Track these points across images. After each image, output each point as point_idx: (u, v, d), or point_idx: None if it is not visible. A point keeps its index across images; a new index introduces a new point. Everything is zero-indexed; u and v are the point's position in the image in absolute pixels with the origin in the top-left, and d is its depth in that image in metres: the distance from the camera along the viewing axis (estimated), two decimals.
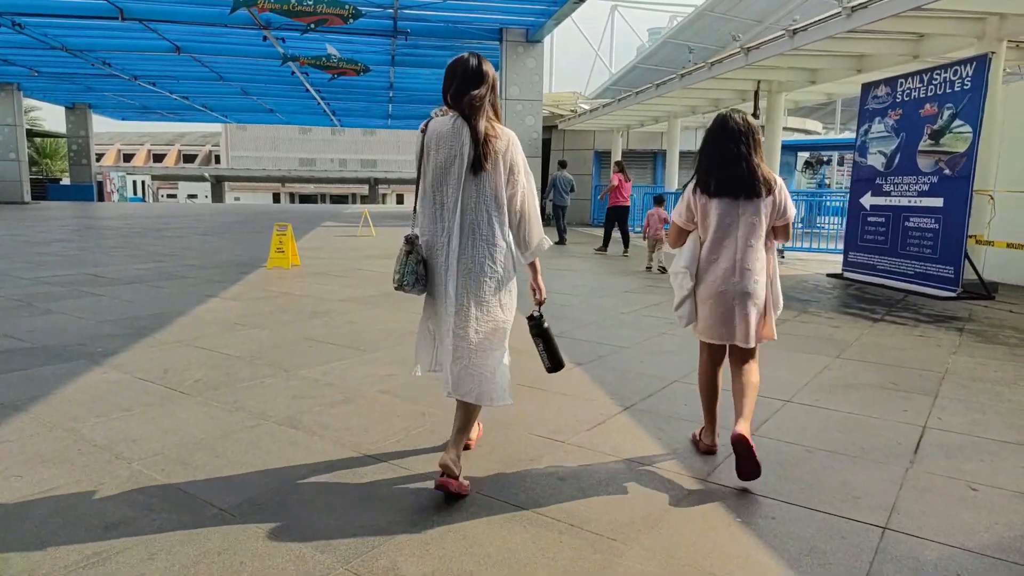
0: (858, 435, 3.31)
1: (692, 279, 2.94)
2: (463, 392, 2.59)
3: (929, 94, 8.10)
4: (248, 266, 9.53)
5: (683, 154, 21.81)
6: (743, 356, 2.93)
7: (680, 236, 3.04)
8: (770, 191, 2.81)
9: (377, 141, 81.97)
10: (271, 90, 32.98)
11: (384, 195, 73.48)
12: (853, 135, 21.83)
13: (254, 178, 71.21)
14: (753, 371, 2.93)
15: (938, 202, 7.89)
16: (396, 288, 2.66)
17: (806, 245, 12.49)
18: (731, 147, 2.80)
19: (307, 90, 31.24)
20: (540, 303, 2.83)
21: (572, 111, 19.52)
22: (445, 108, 2.63)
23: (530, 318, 2.82)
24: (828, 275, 9.71)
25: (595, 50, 41.79)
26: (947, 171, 7.77)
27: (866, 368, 4.57)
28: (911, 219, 8.31)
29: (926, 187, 8.08)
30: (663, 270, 9.54)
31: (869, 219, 9.11)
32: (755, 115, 12.70)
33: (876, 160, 8.99)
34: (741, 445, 2.62)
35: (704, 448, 3.07)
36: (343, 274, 8.99)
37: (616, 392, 3.96)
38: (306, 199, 77.07)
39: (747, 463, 2.62)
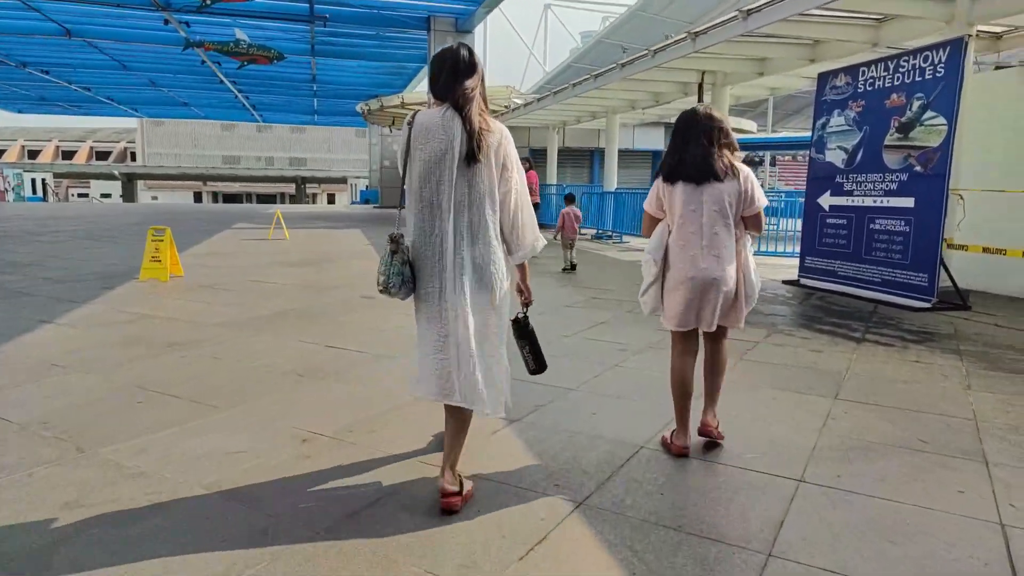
0: (918, 546, 2.24)
1: (657, 264, 3.01)
2: (457, 397, 2.47)
3: (896, 83, 7.32)
4: (118, 278, 7.94)
5: (623, 152, 21.03)
6: (715, 335, 3.07)
7: (652, 224, 3.13)
8: (732, 177, 2.88)
9: (306, 139, 79.36)
10: (182, 81, 30.51)
11: (315, 195, 70.81)
12: (787, 134, 21.14)
13: (173, 176, 67.70)
14: (724, 350, 3.10)
15: (908, 202, 7.11)
16: (381, 291, 2.51)
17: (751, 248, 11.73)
18: (691, 135, 2.90)
19: (222, 81, 29.04)
20: (526, 304, 2.75)
21: (506, 107, 18.41)
22: (436, 101, 2.50)
23: (515, 320, 2.77)
24: (784, 282, 8.88)
25: (529, 48, 40.94)
26: (918, 168, 6.99)
27: (878, 415, 3.56)
28: (877, 221, 7.52)
29: (894, 186, 7.30)
30: (573, 267, 9.58)
31: (828, 221, 8.31)
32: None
33: (835, 156, 8.19)
34: (707, 434, 3.05)
35: (677, 450, 2.98)
36: (232, 287, 7.53)
37: (562, 473, 2.79)
38: (231, 198, 73.88)
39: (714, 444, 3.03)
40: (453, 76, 2.43)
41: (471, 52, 2.49)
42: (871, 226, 7.61)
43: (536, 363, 2.81)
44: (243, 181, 74.16)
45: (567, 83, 13.77)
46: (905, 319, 6.36)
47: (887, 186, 7.38)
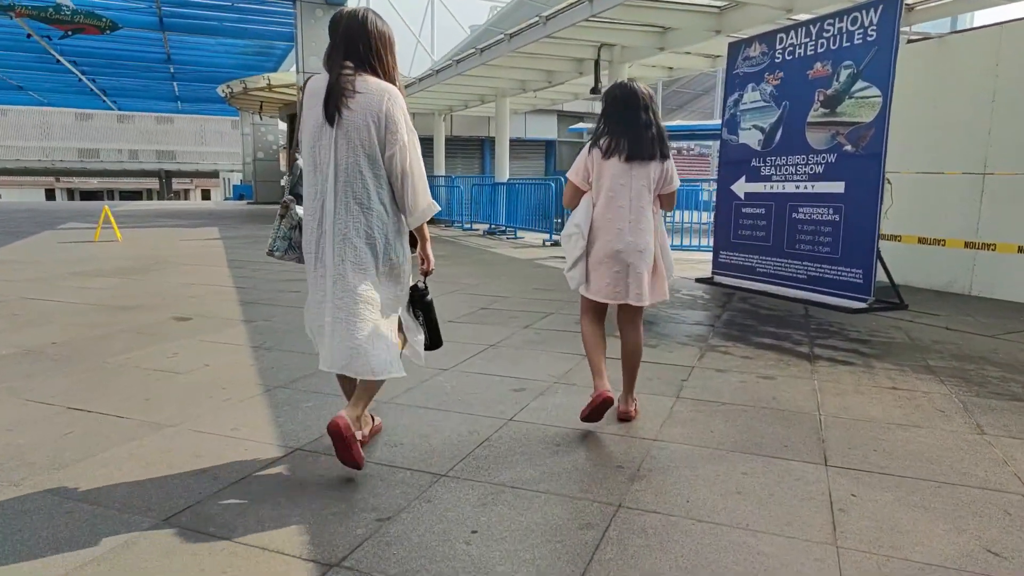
0: None
1: (585, 238, 2.99)
2: (341, 365, 2.41)
3: (820, 49, 6.39)
4: None
5: (515, 142, 19.79)
6: (633, 316, 3.07)
7: (575, 196, 3.09)
8: (666, 157, 2.97)
9: (175, 130, 73.45)
10: (8, 60, 26.34)
11: (186, 190, 65.29)
12: (679, 123, 20.67)
13: (18, 171, 60.77)
14: (640, 332, 3.10)
15: (838, 187, 6.19)
16: (268, 254, 2.63)
17: None
18: (637, 113, 2.91)
19: (59, 61, 25.22)
20: (426, 274, 2.67)
21: None
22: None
23: (413, 288, 2.64)
24: (698, 280, 7.86)
25: (416, 36, 39.00)
26: (849, 147, 6.08)
27: (902, 499, 2.36)
28: (801, 209, 6.58)
29: (820, 168, 6.37)
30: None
31: (744, 211, 7.34)
32: (596, 90, 10.76)
33: (751, 137, 7.22)
34: (625, 416, 3.07)
35: (599, 397, 2.84)
36: None
37: None
38: (90, 195, 67.19)
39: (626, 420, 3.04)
40: (336, 40, 2.44)
41: (351, 16, 2.46)
42: (794, 215, 6.67)
43: (431, 338, 2.71)
44: (103, 176, 67.80)
45: (451, 61, 12.24)
46: (846, 324, 5.40)
47: (812, 169, 6.45)
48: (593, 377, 2.96)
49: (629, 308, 3.02)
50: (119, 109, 42.53)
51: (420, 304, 2.67)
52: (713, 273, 7.83)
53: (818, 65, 6.40)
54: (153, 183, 66.21)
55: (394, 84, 2.44)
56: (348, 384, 2.61)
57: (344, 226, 2.38)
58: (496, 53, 10.67)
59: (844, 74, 6.12)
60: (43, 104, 41.62)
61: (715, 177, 9.01)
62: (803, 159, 6.55)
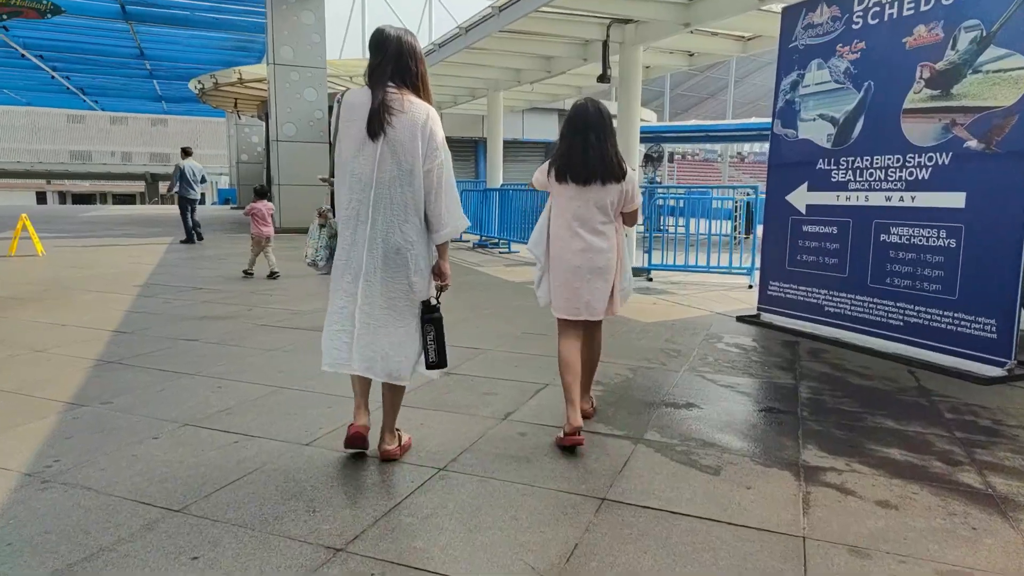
0: None
1: (541, 260, 3.16)
2: (367, 368, 2.57)
3: (924, 6, 4.57)
4: None
5: (511, 144, 17.97)
6: (591, 327, 3.21)
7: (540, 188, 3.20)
8: (621, 179, 3.00)
9: (169, 132, 72.14)
10: None
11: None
12: (690, 123, 18.63)
13: (7, 173, 59.88)
14: (599, 341, 3.26)
15: (954, 199, 4.36)
16: (309, 264, 2.70)
17: (672, 262, 8.86)
18: (589, 133, 2.97)
19: (24, 56, 23.47)
20: (442, 289, 2.72)
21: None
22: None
23: (425, 303, 2.65)
24: (740, 319, 6.03)
25: (401, 21, 37.02)
26: (973, 143, 4.25)
27: None
28: (895, 230, 4.75)
29: (924, 173, 4.54)
30: (274, 275, 8.02)
31: (807, 229, 5.50)
32: (605, 78, 8.94)
33: (816, 131, 5.40)
34: (586, 416, 3.21)
35: (571, 430, 2.87)
36: None
37: None
38: (82, 198, 65.86)
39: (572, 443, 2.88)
40: (372, 59, 2.58)
41: (392, 33, 2.59)
42: (883, 238, 4.83)
43: (437, 355, 2.67)
44: (95, 179, 66.49)
45: (432, 44, 10.41)
46: (991, 405, 3.55)
47: (912, 174, 4.62)
48: (567, 406, 2.98)
49: (587, 323, 3.15)
50: (102, 109, 40.64)
51: (431, 319, 2.64)
52: (759, 309, 5.99)
53: (920, 29, 4.57)
54: (143, 186, 64.90)
55: (431, 103, 2.62)
56: (360, 390, 2.70)
57: (380, 236, 2.52)
58: (484, 32, 8.85)
59: (965, 39, 4.29)
60: (22, 104, 39.85)
61: (724, 185, 7.15)
62: (897, 160, 4.71)
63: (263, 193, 8.43)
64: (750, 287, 7.95)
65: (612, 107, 19.27)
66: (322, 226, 2.67)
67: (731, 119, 28.35)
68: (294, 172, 15.42)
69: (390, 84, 2.52)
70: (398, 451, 2.73)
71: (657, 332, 5.43)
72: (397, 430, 2.77)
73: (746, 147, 49.14)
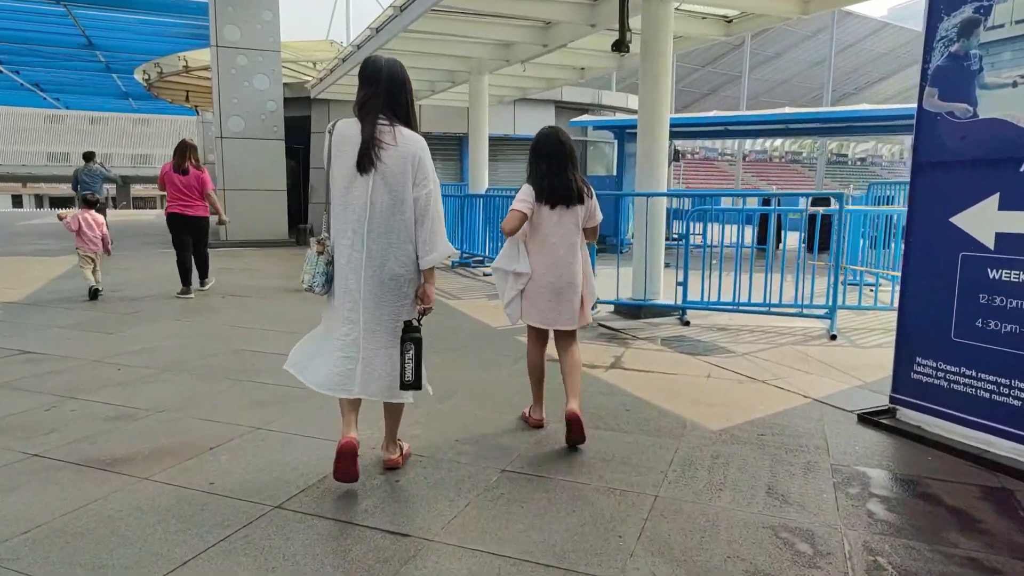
0: None
1: (524, 282, 3.36)
2: (370, 391, 2.71)
3: None
4: None
5: (500, 140, 15.58)
6: (568, 338, 3.45)
7: (520, 224, 3.29)
8: (584, 200, 3.38)
9: (152, 133, 69.88)
10: None
11: (162, 197, 61.10)
12: (697, 115, 15.95)
13: None
14: (577, 350, 3.45)
15: None
16: (305, 290, 2.73)
17: (712, 296, 6.42)
18: (556, 161, 3.34)
19: None
20: (423, 313, 2.83)
21: (330, 71, 12.52)
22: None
23: (407, 323, 2.74)
24: (863, 419, 3.66)
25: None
26: None
27: None
28: None
29: None
30: (96, 293, 7.18)
31: (997, 275, 3.16)
32: (622, 44, 6.57)
33: (1014, 102, 3.06)
34: (574, 421, 3.14)
35: (534, 423, 3.51)
36: None
37: None
38: (60, 202, 63.38)
39: (577, 433, 3.14)
40: (361, 90, 2.69)
41: (384, 64, 2.69)
42: None
43: (414, 375, 2.73)
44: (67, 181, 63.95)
45: (392, 8, 8.00)
46: None
47: None
48: (534, 404, 3.55)
49: (563, 332, 3.44)
50: (65, 107, 38.04)
51: (412, 339, 2.71)
52: (893, 401, 3.66)
53: None
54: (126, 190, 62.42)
55: (417, 129, 2.75)
56: (350, 407, 2.78)
57: (377, 263, 2.65)
58: None
59: None
60: None
61: (749, 191, 4.85)
62: None
63: (91, 203, 7.61)
64: (833, 337, 5.60)
65: (616, 97, 16.67)
66: (319, 253, 2.71)
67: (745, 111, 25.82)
68: (243, 175, 13.05)
69: (381, 117, 2.63)
70: (400, 460, 2.95)
71: (740, 460, 3.08)
72: (398, 440, 2.98)
73: (747, 144, 46.75)
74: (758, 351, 5.20)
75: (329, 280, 2.70)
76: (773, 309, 6.04)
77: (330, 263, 2.70)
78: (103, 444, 3.22)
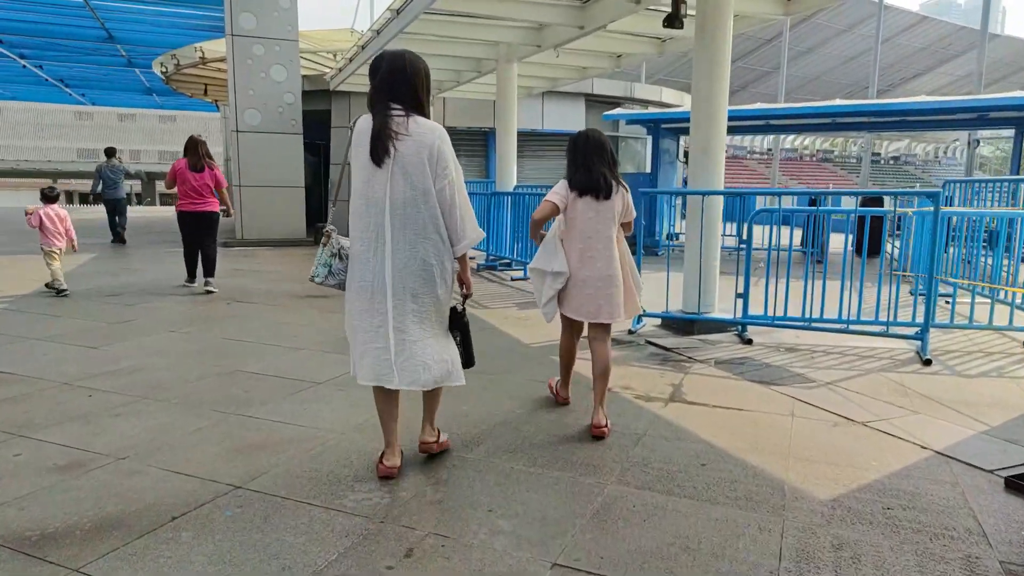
0: None
1: (561, 282, 3.40)
2: (410, 382, 2.65)
3: None
4: None
5: (528, 135, 14.78)
6: (602, 333, 3.47)
7: (550, 216, 3.43)
8: (616, 192, 3.41)
9: (177, 129, 70.38)
10: None
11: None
12: (739, 108, 14.85)
13: (11, 172, 58.74)
14: (608, 348, 3.46)
15: None
16: (309, 280, 2.77)
17: (777, 311, 5.56)
18: (595, 157, 3.41)
19: None
20: (466, 297, 2.88)
21: (349, 60, 11.85)
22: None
23: (452, 310, 2.83)
24: (1012, 484, 2.83)
25: None
26: None
27: None
28: None
29: None
30: (61, 292, 6.93)
31: None
32: (675, 19, 5.77)
33: None
34: (600, 437, 3.23)
35: (561, 400, 3.73)
36: None
37: None
38: (87, 199, 64.25)
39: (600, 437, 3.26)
40: (382, 82, 2.64)
41: (396, 59, 2.65)
42: None
43: (465, 357, 2.88)
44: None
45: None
46: None
47: None
48: (561, 382, 3.75)
49: (600, 326, 3.45)
50: (91, 103, 38.03)
51: (458, 325, 2.84)
52: None
53: None
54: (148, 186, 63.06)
55: (429, 118, 2.70)
56: (385, 402, 2.74)
57: (405, 255, 2.61)
58: None
59: None
60: (7, 99, 37.49)
61: (761, 189, 4.21)
62: None
63: (51, 197, 7.41)
64: (927, 363, 4.74)
65: (649, 90, 15.71)
66: (324, 244, 2.73)
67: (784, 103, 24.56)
68: (259, 170, 12.43)
69: (395, 107, 2.61)
70: (435, 447, 2.91)
71: (873, 554, 2.27)
72: (437, 430, 2.95)
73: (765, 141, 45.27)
74: (842, 379, 4.37)
75: (332, 272, 2.73)
76: (852, 327, 5.19)
77: (334, 255, 2.72)
78: (35, 510, 2.51)
